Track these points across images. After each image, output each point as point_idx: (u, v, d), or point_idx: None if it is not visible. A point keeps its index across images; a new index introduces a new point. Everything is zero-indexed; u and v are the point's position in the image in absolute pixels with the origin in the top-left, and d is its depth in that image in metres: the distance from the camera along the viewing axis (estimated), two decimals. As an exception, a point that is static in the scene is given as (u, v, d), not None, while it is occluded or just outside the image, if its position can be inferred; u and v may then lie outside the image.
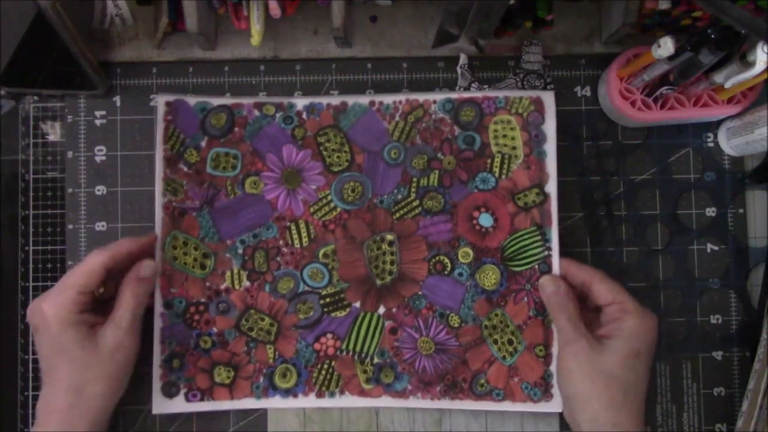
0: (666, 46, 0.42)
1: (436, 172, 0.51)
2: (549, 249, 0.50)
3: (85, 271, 0.46)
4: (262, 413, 0.52)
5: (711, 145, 0.54)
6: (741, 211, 0.53)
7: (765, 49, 0.40)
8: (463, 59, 0.53)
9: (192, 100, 0.51)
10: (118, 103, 0.54)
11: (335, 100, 0.52)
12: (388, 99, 0.52)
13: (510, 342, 0.50)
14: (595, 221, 0.53)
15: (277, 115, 0.52)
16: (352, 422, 0.52)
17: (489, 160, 0.51)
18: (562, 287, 0.48)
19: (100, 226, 0.53)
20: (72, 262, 0.53)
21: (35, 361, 0.52)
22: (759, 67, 0.41)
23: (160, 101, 0.51)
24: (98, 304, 0.48)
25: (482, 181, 0.51)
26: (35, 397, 0.52)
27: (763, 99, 0.50)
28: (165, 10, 0.50)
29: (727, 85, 0.45)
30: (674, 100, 0.50)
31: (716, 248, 0.53)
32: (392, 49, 0.54)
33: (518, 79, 0.53)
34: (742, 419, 0.50)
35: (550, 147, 0.50)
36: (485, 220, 0.51)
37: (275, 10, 0.47)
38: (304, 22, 0.54)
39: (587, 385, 0.45)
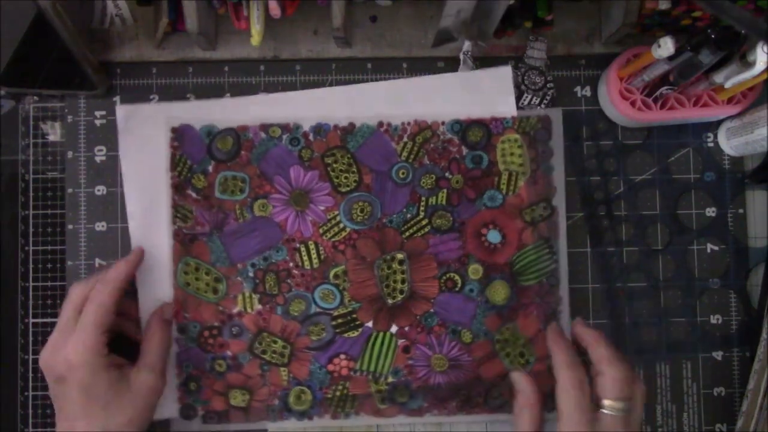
0: (666, 46, 0.42)
1: (444, 190, 0.52)
2: (556, 262, 0.51)
3: (103, 312, 0.45)
4: (262, 413, 0.52)
5: (711, 145, 0.54)
6: (741, 211, 0.53)
7: (765, 49, 0.40)
8: (466, 46, 0.52)
9: (198, 125, 0.51)
10: (118, 103, 0.54)
11: (343, 121, 0.52)
12: (396, 120, 0.52)
13: (522, 355, 0.51)
14: (595, 221, 0.53)
15: (284, 136, 0.52)
16: (353, 424, 0.52)
17: (496, 178, 0.51)
18: (526, 391, 0.46)
19: (100, 226, 0.53)
20: (72, 262, 0.53)
21: (35, 362, 0.52)
22: (759, 67, 0.41)
23: (165, 127, 0.51)
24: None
25: (490, 199, 0.51)
26: (35, 397, 0.52)
27: (763, 99, 0.50)
28: (165, 10, 0.50)
29: (727, 85, 0.45)
30: (674, 100, 0.50)
31: (716, 248, 0.53)
32: (392, 49, 0.54)
33: (519, 74, 0.53)
34: (742, 419, 0.50)
35: (557, 161, 0.51)
36: (494, 236, 0.51)
37: (275, 10, 0.47)
38: (304, 22, 0.54)
39: None
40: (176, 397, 0.51)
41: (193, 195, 0.51)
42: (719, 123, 0.53)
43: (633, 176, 0.54)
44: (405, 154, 0.52)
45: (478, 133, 0.52)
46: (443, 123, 0.52)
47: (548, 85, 0.53)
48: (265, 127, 0.52)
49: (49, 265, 0.53)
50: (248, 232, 0.51)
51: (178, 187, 0.51)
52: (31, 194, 0.53)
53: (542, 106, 0.53)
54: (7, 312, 0.53)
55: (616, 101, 0.50)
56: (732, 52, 0.42)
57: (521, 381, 0.47)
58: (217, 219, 0.51)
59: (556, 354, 0.45)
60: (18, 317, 0.53)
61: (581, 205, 0.53)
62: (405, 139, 0.52)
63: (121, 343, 0.48)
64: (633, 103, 0.50)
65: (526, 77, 0.53)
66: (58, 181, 0.53)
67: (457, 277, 0.51)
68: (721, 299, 0.53)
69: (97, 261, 0.53)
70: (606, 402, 0.42)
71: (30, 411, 0.52)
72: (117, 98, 0.54)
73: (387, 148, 0.52)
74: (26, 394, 0.52)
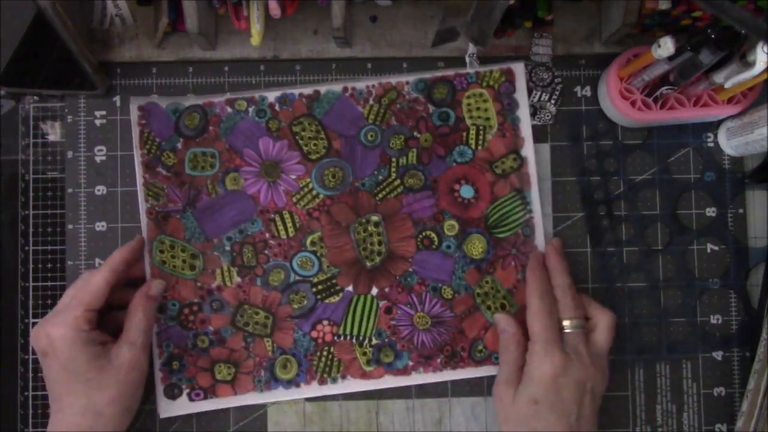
0: (666, 46, 0.42)
1: (414, 150, 0.52)
2: (530, 212, 0.52)
3: (90, 290, 0.45)
4: (262, 413, 0.52)
5: (711, 145, 0.54)
6: (741, 211, 0.53)
7: (765, 49, 0.40)
8: (471, 48, 0.53)
9: (164, 103, 0.52)
10: (118, 103, 0.54)
11: (307, 89, 0.52)
12: (360, 84, 0.52)
13: (503, 306, 0.52)
14: (595, 221, 0.53)
15: (250, 109, 0.52)
16: (352, 422, 0.52)
17: (464, 133, 0.52)
18: (509, 330, 0.49)
19: (100, 226, 0.53)
20: (72, 262, 0.53)
21: (35, 362, 0.52)
22: (759, 67, 0.41)
23: (132, 106, 0.52)
24: (102, 320, 0.47)
25: (460, 154, 0.52)
26: (35, 397, 0.52)
27: (763, 99, 0.50)
28: (165, 10, 0.50)
29: (727, 85, 0.45)
30: (674, 100, 0.50)
31: (716, 248, 0.53)
32: (392, 49, 0.54)
33: (527, 71, 0.53)
34: (742, 419, 0.50)
35: (523, 112, 0.52)
36: (466, 191, 0.52)
37: (275, 10, 0.47)
38: (304, 22, 0.54)
39: (503, 428, 0.47)
40: (159, 378, 0.51)
41: (163, 172, 0.52)
42: (719, 123, 0.53)
43: (633, 176, 0.54)
44: (372, 116, 0.52)
45: (443, 90, 0.52)
46: (408, 83, 0.52)
47: (556, 80, 0.53)
48: (230, 102, 0.52)
49: (49, 265, 0.53)
50: (222, 206, 0.52)
51: (148, 165, 0.52)
52: (31, 194, 0.53)
53: (552, 102, 0.53)
54: (7, 312, 0.53)
55: (616, 101, 0.50)
56: (732, 52, 0.42)
57: (504, 320, 0.49)
58: (189, 195, 0.51)
59: (530, 282, 0.49)
60: (18, 317, 0.53)
61: (581, 205, 0.53)
62: (371, 102, 0.52)
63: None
64: (633, 103, 0.50)
65: (533, 74, 0.53)
66: (58, 181, 0.53)
67: (433, 235, 0.52)
68: (721, 299, 0.53)
69: (97, 261, 0.53)
70: (564, 322, 0.47)
71: (30, 411, 0.52)
72: (117, 98, 0.54)
73: (353, 112, 0.52)
74: (26, 394, 0.52)
